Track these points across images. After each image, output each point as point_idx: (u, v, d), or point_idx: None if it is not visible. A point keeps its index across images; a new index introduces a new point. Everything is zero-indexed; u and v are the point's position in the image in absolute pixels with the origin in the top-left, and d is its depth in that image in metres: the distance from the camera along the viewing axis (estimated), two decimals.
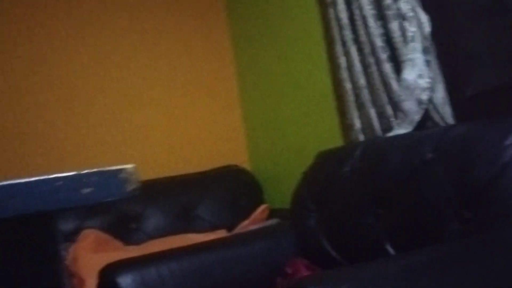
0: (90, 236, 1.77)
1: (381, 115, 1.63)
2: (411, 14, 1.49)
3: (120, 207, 2.01)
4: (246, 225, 1.88)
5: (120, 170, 0.47)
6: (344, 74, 1.75)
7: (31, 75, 2.26)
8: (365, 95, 1.67)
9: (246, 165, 2.51)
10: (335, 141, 1.94)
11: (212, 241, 1.52)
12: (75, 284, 1.64)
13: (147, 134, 2.39)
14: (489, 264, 0.90)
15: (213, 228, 2.08)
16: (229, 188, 2.27)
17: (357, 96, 1.71)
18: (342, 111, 1.87)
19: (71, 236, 1.83)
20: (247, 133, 2.60)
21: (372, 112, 1.66)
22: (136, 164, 2.21)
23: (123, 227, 1.98)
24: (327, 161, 1.57)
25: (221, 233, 1.96)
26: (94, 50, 2.35)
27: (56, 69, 2.29)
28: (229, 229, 2.04)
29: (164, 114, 2.45)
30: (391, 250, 1.18)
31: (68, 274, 1.67)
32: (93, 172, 0.46)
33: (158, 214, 2.06)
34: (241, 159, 2.53)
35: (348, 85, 1.75)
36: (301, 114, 2.20)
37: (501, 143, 1.05)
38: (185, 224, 2.10)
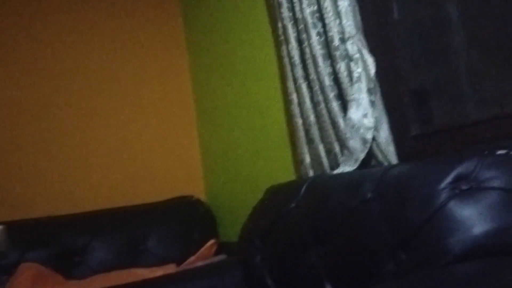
0: (28, 270, 1.70)
1: (329, 151, 1.65)
2: (357, 55, 1.53)
3: (63, 239, 1.94)
4: (193, 261, 1.85)
5: None
6: (296, 110, 1.78)
7: None
8: (315, 131, 1.70)
9: (202, 196, 2.49)
10: (289, 175, 1.95)
11: (157, 278, 1.48)
12: None
13: (97, 161, 2.34)
14: None
15: (163, 262, 2.03)
16: (182, 220, 2.24)
17: (307, 132, 1.74)
18: (294, 146, 1.89)
19: (10, 269, 1.75)
20: (203, 164, 2.59)
21: (321, 148, 1.68)
22: (83, 192, 2.15)
23: (66, 260, 1.91)
24: (275, 197, 1.58)
25: (170, 268, 1.92)
26: (44, 71, 2.29)
27: None
28: (180, 263, 1.99)
29: (117, 141, 2.41)
30: None
31: None
32: None
33: (104, 247, 2.00)
34: (197, 189, 2.51)
35: (299, 121, 1.77)
36: (257, 147, 2.21)
37: (435, 186, 1.07)
38: (133, 258, 2.04)
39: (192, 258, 1.88)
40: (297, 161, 1.86)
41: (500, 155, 1.10)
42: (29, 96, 2.26)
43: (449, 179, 1.07)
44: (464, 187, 1.06)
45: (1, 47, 2.23)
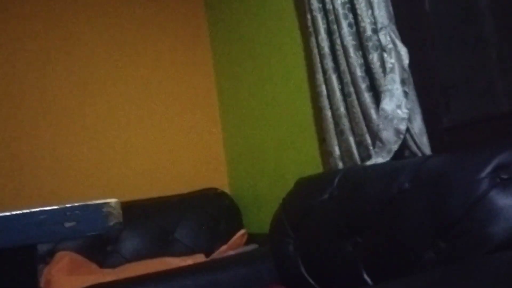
0: (64, 258, 1.74)
1: (360, 143, 1.65)
2: (390, 46, 1.53)
3: None
4: (224, 250, 1.87)
5: (103, 204, 0.47)
6: (325, 102, 1.78)
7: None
8: (345, 123, 1.70)
9: (226, 189, 2.51)
10: (315, 168, 1.96)
11: (189, 266, 1.51)
12: None
13: (127, 156, 2.38)
14: None
15: (191, 252, 2.06)
16: (208, 212, 2.26)
17: (337, 124, 1.74)
18: (322, 139, 1.89)
19: (46, 258, 1.79)
20: (227, 157, 2.61)
21: (351, 140, 1.68)
22: (115, 185, 2.19)
23: (99, 250, 1.95)
24: (306, 188, 1.59)
25: (199, 258, 1.95)
26: (68, 73, 2.33)
27: (29, 89, 2.26)
28: (207, 253, 2.02)
29: (144, 136, 2.44)
30: (368, 279, 1.19)
31: None
32: (76, 206, 0.46)
33: (136, 236, 2.04)
34: (220, 182, 2.53)
35: (328, 113, 1.77)
36: (282, 140, 2.22)
37: (475, 176, 1.08)
38: (163, 248, 2.07)
39: (224, 247, 1.90)
40: (325, 154, 1.86)
41: None
42: (59, 96, 2.29)
43: (489, 168, 1.07)
44: (504, 176, 1.06)
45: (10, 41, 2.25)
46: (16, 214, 0.44)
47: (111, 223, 0.47)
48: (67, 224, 0.45)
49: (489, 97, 1.69)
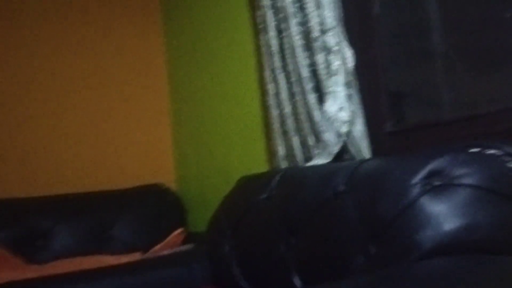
0: None
1: (304, 144, 1.63)
2: (336, 48, 1.51)
3: (26, 221, 1.87)
4: (158, 250, 1.81)
5: None
6: (272, 101, 1.76)
7: None
8: (290, 123, 1.68)
9: (172, 186, 2.44)
10: (263, 167, 1.93)
11: (118, 266, 1.44)
12: None
13: (66, 144, 2.28)
14: None
15: (130, 250, 1.98)
16: (150, 208, 2.20)
17: (283, 123, 1.72)
18: (268, 137, 1.87)
19: None
20: (175, 153, 2.55)
21: (296, 141, 1.66)
22: (50, 175, 2.10)
23: (28, 244, 1.84)
24: (246, 187, 1.55)
25: (136, 256, 1.88)
26: (18, 58, 2.22)
27: None
28: (146, 251, 1.95)
29: (88, 126, 2.35)
30: (298, 283, 1.16)
31: None
32: None
33: (69, 232, 1.94)
34: (167, 179, 2.46)
35: (274, 112, 1.75)
36: (231, 137, 2.18)
37: (408, 181, 1.06)
38: (99, 245, 1.99)
39: (158, 246, 1.84)
40: (271, 152, 1.84)
41: (473, 153, 1.09)
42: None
43: (422, 174, 1.07)
44: (436, 183, 1.05)
45: None
46: None
47: None
48: None
49: (433, 104, 1.71)
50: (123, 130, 2.43)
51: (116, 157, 2.39)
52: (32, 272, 1.56)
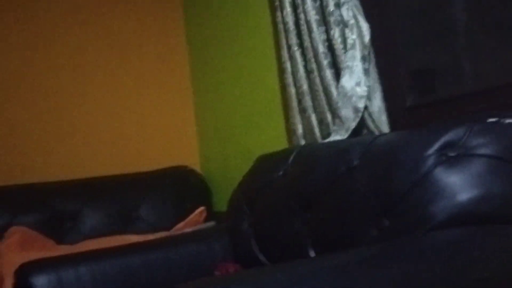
0: (16, 234, 1.70)
1: (321, 121, 1.63)
2: (352, 21, 1.49)
3: (55, 204, 1.94)
4: (180, 228, 1.85)
5: None
6: (289, 79, 1.75)
7: None
8: (307, 100, 1.67)
9: (197, 167, 2.48)
10: (282, 145, 1.93)
11: (139, 243, 1.48)
12: None
13: (94, 128, 2.33)
14: (403, 267, 0.89)
15: (155, 230, 2.03)
16: (175, 190, 2.23)
17: (300, 101, 1.71)
18: (287, 116, 1.87)
19: (0, 233, 1.76)
20: (199, 135, 2.58)
21: (313, 118, 1.66)
22: (78, 159, 2.14)
23: (58, 226, 1.91)
24: (264, 165, 1.56)
25: (161, 236, 1.92)
26: (36, 43, 2.27)
27: None
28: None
29: (114, 111, 2.39)
30: (313, 256, 1.17)
31: None
32: None
33: (97, 213, 2.00)
34: (192, 160, 2.50)
35: (292, 90, 1.74)
36: (251, 116, 2.19)
37: (422, 153, 1.05)
38: (125, 225, 2.04)
39: (181, 224, 1.88)
40: (289, 131, 1.83)
41: (490, 122, 1.07)
42: (27, 63, 2.23)
43: (436, 145, 1.05)
44: (451, 154, 1.03)
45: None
46: None
47: None
48: None
49: (455, 78, 1.67)
50: (148, 115, 2.47)
51: (142, 141, 2.44)
52: (62, 251, 1.62)
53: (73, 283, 1.22)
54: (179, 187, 2.25)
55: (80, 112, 2.32)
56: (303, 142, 1.71)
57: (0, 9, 2.21)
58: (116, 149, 2.35)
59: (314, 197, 1.24)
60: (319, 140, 1.63)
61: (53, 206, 1.94)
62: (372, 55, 1.52)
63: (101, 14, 2.40)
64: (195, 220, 1.90)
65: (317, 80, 1.61)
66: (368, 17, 1.54)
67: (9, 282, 1.41)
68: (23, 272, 1.22)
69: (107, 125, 2.37)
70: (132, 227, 2.04)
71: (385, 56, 1.59)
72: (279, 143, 1.96)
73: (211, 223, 1.79)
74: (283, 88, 1.86)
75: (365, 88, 1.47)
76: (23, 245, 1.64)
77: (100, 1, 2.40)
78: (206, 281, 0.79)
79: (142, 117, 2.46)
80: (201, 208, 1.96)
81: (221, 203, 2.33)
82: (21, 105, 2.21)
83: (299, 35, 1.67)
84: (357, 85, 1.47)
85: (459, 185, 0.99)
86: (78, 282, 1.23)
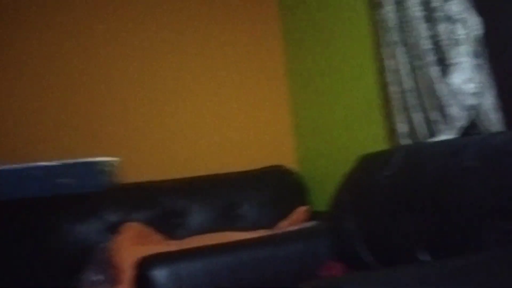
0: (132, 229, 1.84)
1: (427, 119, 1.58)
2: (460, 16, 1.43)
3: (165, 202, 2.06)
4: (284, 226, 1.88)
5: (99, 162, 0.49)
6: (391, 77, 1.71)
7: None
8: (411, 99, 1.63)
9: (294, 166, 2.50)
10: (381, 144, 1.90)
11: (248, 240, 1.53)
12: (116, 274, 1.71)
13: (196, 131, 2.44)
14: None
15: (255, 227, 2.09)
16: (274, 189, 2.28)
17: (403, 99, 1.67)
18: (388, 115, 1.83)
19: (115, 228, 1.90)
20: (295, 134, 2.60)
21: (418, 117, 1.61)
22: (184, 160, 2.23)
23: (167, 222, 2.03)
24: (367, 165, 1.54)
25: (262, 233, 1.97)
26: (139, 44, 2.37)
27: (91, 63, 2.29)
28: (270, 229, 2.04)
29: (213, 113, 2.49)
30: (425, 258, 1.14)
31: (110, 264, 1.74)
32: (72, 163, 0.49)
33: (202, 211, 2.10)
34: (289, 160, 2.52)
35: (394, 89, 1.71)
36: (349, 116, 2.17)
37: None
38: (228, 222, 2.12)
39: (284, 222, 1.91)
40: (391, 130, 1.80)
41: None
42: (125, 69, 2.36)
43: None
44: None
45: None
46: (14, 169, 0.47)
47: (106, 181, 0.49)
48: (61, 181, 0.48)
49: None
50: (246, 116, 2.53)
51: (241, 142, 2.50)
52: (172, 246, 1.72)
53: (189, 276, 1.31)
54: (276, 186, 2.29)
55: (185, 120, 2.43)
56: (405, 142, 1.67)
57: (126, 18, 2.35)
58: (218, 150, 2.44)
59: (424, 199, 1.21)
60: (423, 139, 1.59)
61: (163, 203, 2.07)
62: (483, 50, 1.45)
63: (197, 21, 2.47)
64: (298, 219, 1.93)
65: (422, 78, 1.56)
66: (480, 11, 1.46)
67: (129, 274, 1.53)
68: (144, 265, 1.32)
69: (209, 128, 2.46)
70: (234, 224, 2.11)
71: (499, 51, 1.50)
72: (378, 142, 1.92)
73: (314, 222, 1.81)
74: (383, 86, 1.82)
75: (475, 85, 1.40)
76: (137, 240, 1.77)
77: (198, 3, 2.47)
78: (343, 279, 0.81)
79: (241, 120, 2.52)
80: (304, 207, 1.98)
81: (318, 202, 2.33)
82: (132, 111, 2.36)
83: (401, 32, 1.63)
84: (467, 82, 1.41)
85: None
86: (194, 275, 1.31)
